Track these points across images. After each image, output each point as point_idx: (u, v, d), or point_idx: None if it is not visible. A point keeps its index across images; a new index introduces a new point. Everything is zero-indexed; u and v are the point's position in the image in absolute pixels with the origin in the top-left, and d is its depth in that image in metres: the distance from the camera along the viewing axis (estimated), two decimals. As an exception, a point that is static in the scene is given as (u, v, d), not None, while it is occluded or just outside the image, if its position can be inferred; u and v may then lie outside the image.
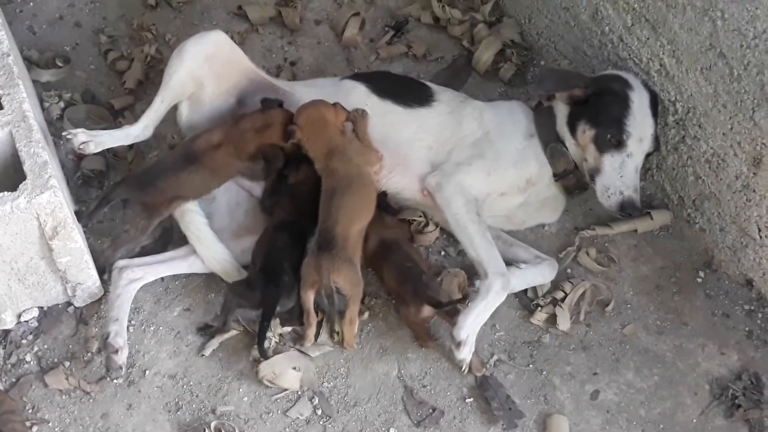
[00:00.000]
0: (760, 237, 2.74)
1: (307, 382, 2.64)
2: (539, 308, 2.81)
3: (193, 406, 2.61)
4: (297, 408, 2.60)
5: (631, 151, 2.76)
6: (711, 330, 2.81)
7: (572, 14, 3.20)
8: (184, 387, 2.64)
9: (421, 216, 2.93)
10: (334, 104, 2.82)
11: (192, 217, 2.80)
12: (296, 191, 2.82)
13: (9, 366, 2.67)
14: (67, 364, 2.66)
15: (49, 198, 2.42)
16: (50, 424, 2.57)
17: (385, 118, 2.91)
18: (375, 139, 2.84)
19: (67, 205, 2.51)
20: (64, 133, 2.79)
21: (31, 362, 2.68)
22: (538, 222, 3.03)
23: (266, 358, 2.62)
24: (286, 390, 2.62)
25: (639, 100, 2.77)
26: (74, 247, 2.57)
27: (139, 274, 2.76)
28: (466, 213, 2.76)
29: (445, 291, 2.72)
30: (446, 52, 3.52)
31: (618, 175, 2.76)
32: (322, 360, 2.69)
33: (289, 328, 2.69)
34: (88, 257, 2.66)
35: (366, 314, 2.75)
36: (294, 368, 2.63)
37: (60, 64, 3.37)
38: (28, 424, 2.55)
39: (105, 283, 2.77)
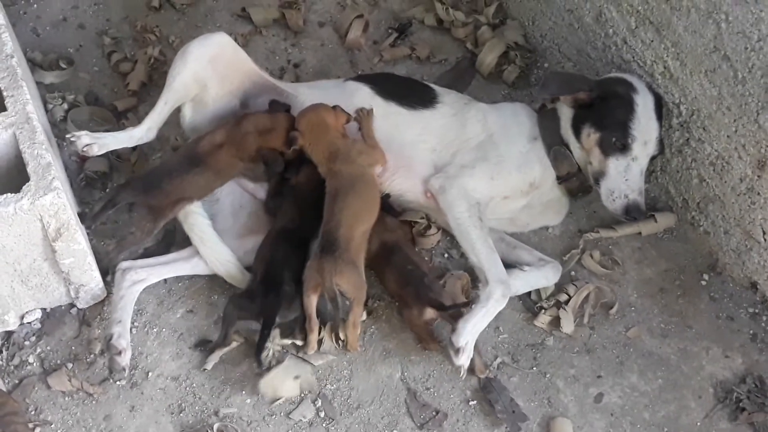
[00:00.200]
0: (765, 240, 2.74)
1: (306, 385, 2.63)
2: (543, 311, 2.81)
3: (196, 408, 2.61)
4: (300, 410, 2.60)
5: (636, 155, 2.76)
6: (715, 333, 2.81)
7: (576, 16, 3.20)
8: (187, 389, 2.64)
9: (423, 218, 2.93)
10: (334, 107, 2.81)
11: (195, 218, 2.80)
12: (299, 192, 2.82)
13: (12, 367, 2.67)
14: (70, 365, 2.66)
15: (52, 199, 2.42)
16: (53, 425, 2.57)
17: (389, 120, 2.92)
18: (379, 141, 2.84)
19: (70, 207, 2.51)
20: (67, 136, 2.79)
21: (34, 364, 2.68)
22: (542, 224, 3.02)
23: (263, 368, 2.60)
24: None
25: (644, 104, 2.77)
26: (77, 248, 2.57)
27: (142, 276, 2.76)
28: (469, 218, 2.76)
29: (447, 293, 2.72)
30: (450, 54, 3.52)
31: (623, 178, 2.76)
32: (325, 362, 2.69)
33: (288, 341, 2.67)
34: (91, 259, 2.66)
35: (364, 315, 2.73)
36: (294, 378, 2.62)
37: (63, 65, 3.38)
38: (30, 425, 2.55)
39: (108, 284, 2.77)
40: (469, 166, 2.83)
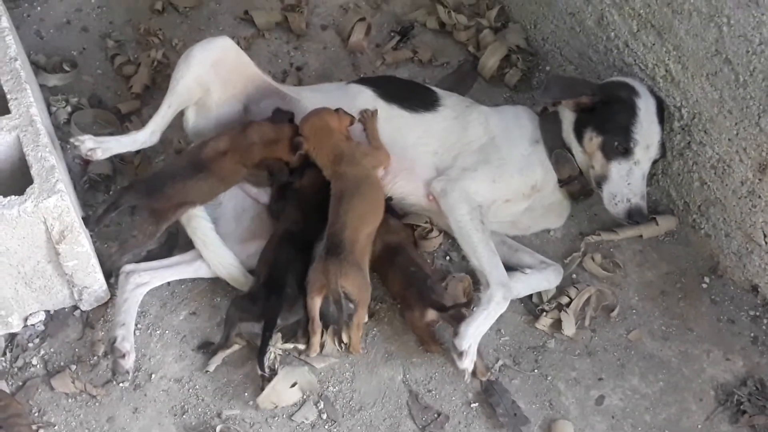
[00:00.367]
0: (766, 243, 2.74)
1: (307, 388, 2.64)
2: (544, 313, 2.81)
3: (199, 409, 2.61)
4: (302, 412, 2.60)
5: (638, 159, 2.76)
6: (716, 336, 2.81)
7: (578, 20, 3.20)
8: (190, 391, 2.65)
9: (426, 222, 2.93)
10: (337, 110, 2.82)
11: (198, 222, 2.80)
12: (302, 195, 2.83)
13: (15, 369, 2.67)
14: (74, 367, 2.67)
15: (56, 202, 2.43)
16: (56, 427, 2.57)
17: (391, 123, 2.92)
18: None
19: (74, 209, 2.52)
20: (71, 140, 2.79)
21: (38, 366, 2.68)
22: (544, 227, 3.03)
23: (264, 372, 2.60)
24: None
25: (646, 108, 2.78)
26: (81, 251, 2.57)
27: (145, 279, 2.76)
28: (470, 221, 2.76)
29: (449, 295, 2.73)
30: (452, 57, 3.53)
31: (625, 182, 2.76)
32: (327, 365, 2.69)
33: (290, 345, 2.67)
34: (94, 261, 2.67)
35: (366, 317, 2.73)
36: (293, 385, 2.61)
37: (67, 68, 3.39)
38: (34, 427, 2.55)
39: (111, 286, 2.78)
40: (470, 169, 2.84)
